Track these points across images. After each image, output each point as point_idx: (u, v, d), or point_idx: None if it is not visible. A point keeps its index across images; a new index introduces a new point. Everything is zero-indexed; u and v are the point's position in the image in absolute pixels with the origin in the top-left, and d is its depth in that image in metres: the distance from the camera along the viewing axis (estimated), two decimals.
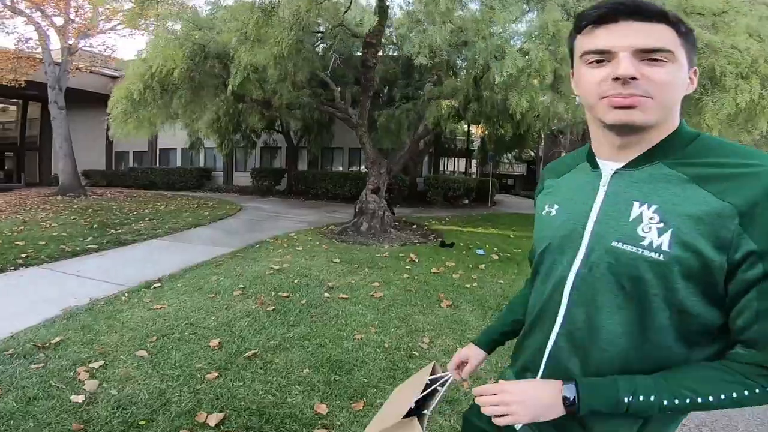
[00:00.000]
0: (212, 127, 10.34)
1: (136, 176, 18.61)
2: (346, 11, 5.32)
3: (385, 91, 12.63)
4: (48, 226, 7.87)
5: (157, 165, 19.98)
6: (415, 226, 8.97)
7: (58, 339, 3.02)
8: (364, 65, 6.69)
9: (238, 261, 5.52)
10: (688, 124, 0.73)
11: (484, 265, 5.46)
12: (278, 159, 17.43)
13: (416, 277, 4.79)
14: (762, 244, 0.58)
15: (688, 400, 0.62)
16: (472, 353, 1.04)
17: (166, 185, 17.56)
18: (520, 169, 26.80)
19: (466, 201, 14.25)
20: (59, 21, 12.56)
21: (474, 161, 19.36)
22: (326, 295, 4.10)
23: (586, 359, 0.71)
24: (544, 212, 0.84)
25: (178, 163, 19.75)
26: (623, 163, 0.72)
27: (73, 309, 3.68)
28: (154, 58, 5.45)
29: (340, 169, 16.07)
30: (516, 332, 0.97)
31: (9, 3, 11.26)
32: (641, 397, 0.64)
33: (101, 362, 2.70)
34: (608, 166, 0.74)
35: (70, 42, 12.71)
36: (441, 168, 25.01)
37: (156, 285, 4.44)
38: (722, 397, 0.62)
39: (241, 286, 4.34)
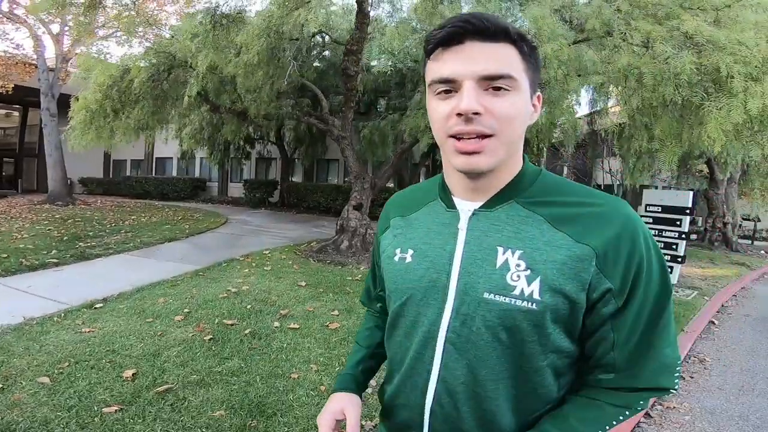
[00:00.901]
0: (195, 137, 10.21)
1: (131, 185, 18.66)
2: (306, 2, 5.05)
3: (382, 102, 12.48)
4: (19, 236, 7.74)
5: (153, 174, 20.03)
6: None
7: None
8: (344, 74, 6.49)
9: (197, 281, 5.28)
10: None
11: None
12: (273, 170, 17.33)
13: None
14: (616, 283, 0.63)
15: None
16: (347, 403, 0.82)
17: (160, 195, 17.54)
18: None
19: None
20: (55, 28, 12.72)
21: None
22: (276, 324, 3.82)
23: (477, 407, 0.69)
24: (396, 258, 0.77)
25: (174, 173, 19.78)
26: (480, 203, 0.70)
27: (3, 327, 3.50)
28: (108, 68, 5.30)
29: (336, 181, 15.89)
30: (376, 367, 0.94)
31: (6, 9, 11.39)
32: None
33: None
34: (465, 206, 0.71)
35: (65, 48, 12.81)
36: None
37: (98, 305, 4.21)
38: (607, 428, 0.68)
39: (187, 310, 4.09)
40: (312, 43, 6.96)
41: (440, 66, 0.64)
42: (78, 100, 6.07)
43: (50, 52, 13.04)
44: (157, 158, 20.36)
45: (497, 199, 0.69)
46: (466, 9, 6.06)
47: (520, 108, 0.64)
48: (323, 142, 14.27)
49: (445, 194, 0.75)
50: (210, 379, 2.79)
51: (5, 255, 6.15)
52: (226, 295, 4.63)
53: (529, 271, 0.64)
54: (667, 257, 6.69)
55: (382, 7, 6.88)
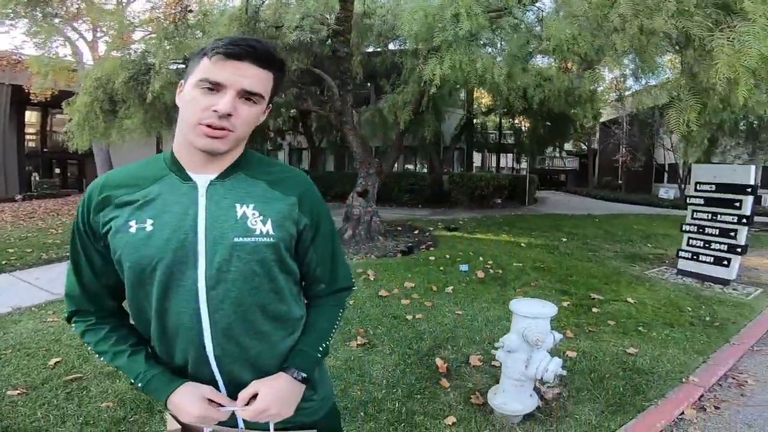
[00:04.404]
0: None
1: None
2: None
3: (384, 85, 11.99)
4: (54, 232, 8.45)
5: None
6: (417, 232, 8.27)
7: None
8: (335, 56, 6.18)
9: None
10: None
11: (452, 288, 4.67)
12: (306, 160, 17.52)
13: (351, 302, 4.17)
14: (310, 219, 0.94)
15: (332, 333, 1.03)
16: (200, 387, 0.92)
17: None
18: (574, 163, 24.53)
19: (499, 200, 13.09)
20: (89, 36, 13.62)
21: (510, 156, 17.90)
22: None
23: (251, 331, 0.89)
24: (132, 229, 0.85)
25: None
26: (214, 175, 0.89)
27: None
28: (94, 71, 5.42)
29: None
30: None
31: (41, 18, 12.29)
32: (321, 346, 0.99)
33: None
34: (201, 178, 0.88)
35: (101, 54, 13.67)
36: (486, 164, 23.71)
37: None
38: (337, 321, 1.04)
39: None
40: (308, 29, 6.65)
41: (216, 70, 0.81)
42: (69, 104, 6.39)
43: (88, 58, 13.98)
44: None
45: (228, 172, 0.89)
46: None
47: (256, 116, 0.88)
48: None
49: (179, 169, 0.88)
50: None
51: (30, 250, 6.69)
52: None
53: (262, 216, 0.87)
54: (723, 246, 5.64)
55: None
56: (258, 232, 0.85)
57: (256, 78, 0.82)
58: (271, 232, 0.86)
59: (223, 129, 0.80)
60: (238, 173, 0.89)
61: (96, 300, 0.93)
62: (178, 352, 0.88)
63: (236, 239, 0.84)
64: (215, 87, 0.80)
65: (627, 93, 10.73)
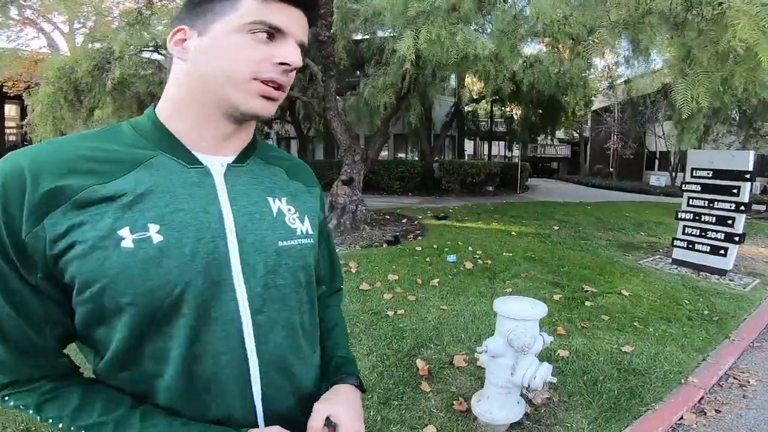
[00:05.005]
0: None
1: None
2: None
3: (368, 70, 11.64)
4: None
5: None
6: (405, 220, 8.00)
7: None
8: (316, 40, 5.82)
9: None
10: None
11: (438, 280, 4.42)
12: (294, 149, 17.13)
13: None
14: (324, 215, 0.82)
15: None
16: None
17: None
18: (566, 151, 24.37)
19: (491, 188, 12.86)
20: (66, 28, 13.14)
21: (502, 143, 17.66)
22: None
23: (299, 357, 0.70)
24: (128, 242, 0.53)
25: None
26: (228, 158, 0.66)
27: None
28: (57, 61, 5.09)
29: None
30: None
31: (17, 14, 11.81)
32: (349, 347, 0.87)
33: None
34: (216, 161, 0.64)
35: (78, 45, 13.17)
36: (478, 152, 23.45)
37: None
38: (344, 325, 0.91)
39: None
40: None
41: (271, 11, 0.59)
42: (30, 94, 6.09)
43: (65, 50, 13.52)
44: None
45: (246, 154, 0.68)
46: None
47: None
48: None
49: (176, 148, 0.61)
50: None
51: None
52: None
53: (298, 213, 0.70)
54: (720, 234, 5.42)
55: None
56: (299, 233, 0.68)
57: (306, 29, 0.65)
58: (310, 231, 0.71)
59: (281, 88, 0.61)
60: (254, 157, 0.69)
61: (44, 360, 0.57)
62: (213, 406, 0.61)
63: (281, 243, 0.65)
64: (272, 33, 0.59)
65: (619, 81, 10.52)
